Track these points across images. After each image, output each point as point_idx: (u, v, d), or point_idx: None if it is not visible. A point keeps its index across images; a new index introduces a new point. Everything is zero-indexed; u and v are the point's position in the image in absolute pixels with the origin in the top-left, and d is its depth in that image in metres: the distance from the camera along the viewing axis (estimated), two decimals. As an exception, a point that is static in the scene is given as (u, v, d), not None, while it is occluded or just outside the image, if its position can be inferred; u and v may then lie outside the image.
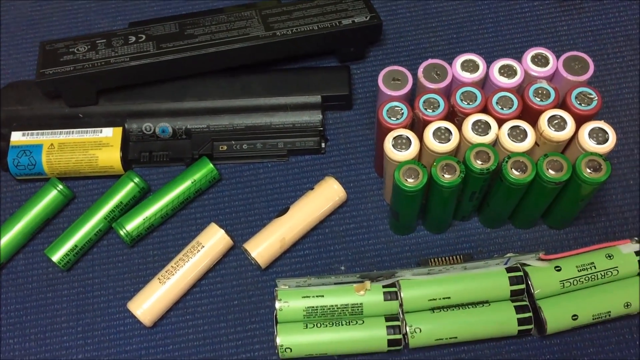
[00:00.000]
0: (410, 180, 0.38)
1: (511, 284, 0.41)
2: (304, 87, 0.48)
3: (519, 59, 0.42)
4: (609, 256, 0.41)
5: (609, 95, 0.49)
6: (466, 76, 0.42)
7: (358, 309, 0.41)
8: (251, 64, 0.48)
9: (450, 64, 0.42)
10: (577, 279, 0.41)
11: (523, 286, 0.41)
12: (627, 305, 0.41)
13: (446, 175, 0.38)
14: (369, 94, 0.51)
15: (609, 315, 0.41)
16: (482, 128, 0.39)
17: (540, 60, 0.42)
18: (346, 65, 0.50)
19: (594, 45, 0.51)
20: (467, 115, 0.40)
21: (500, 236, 0.46)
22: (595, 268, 0.41)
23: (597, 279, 0.41)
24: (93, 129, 0.47)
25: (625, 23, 0.52)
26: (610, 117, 0.49)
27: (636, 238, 0.42)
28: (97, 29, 0.54)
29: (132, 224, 0.45)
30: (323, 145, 0.48)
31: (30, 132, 0.47)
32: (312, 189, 0.46)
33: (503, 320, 0.41)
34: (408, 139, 0.40)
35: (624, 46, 0.51)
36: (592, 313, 0.41)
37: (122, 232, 0.45)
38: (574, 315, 0.41)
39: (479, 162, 0.38)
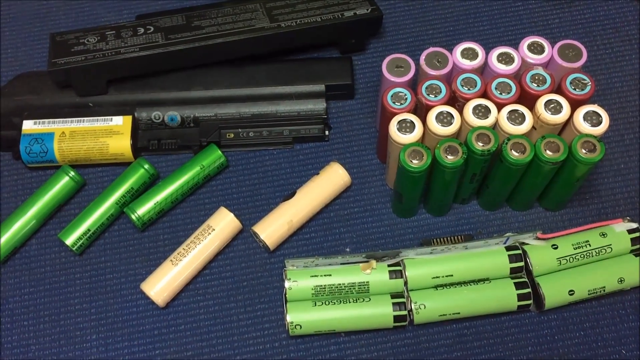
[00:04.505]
0: (415, 161, 0.40)
1: (511, 262, 0.43)
2: (308, 77, 0.50)
3: (515, 48, 0.44)
4: (603, 234, 0.43)
5: (598, 84, 0.51)
6: (466, 63, 0.43)
7: (364, 287, 0.43)
8: (257, 54, 0.50)
9: (450, 52, 0.44)
10: (573, 256, 0.43)
11: (522, 264, 0.43)
12: (621, 281, 0.43)
13: (449, 157, 0.40)
14: (369, 84, 0.52)
15: (604, 290, 0.43)
16: (482, 112, 0.41)
17: (536, 49, 0.44)
18: (348, 57, 0.52)
19: (584, 37, 0.53)
20: (467, 100, 0.42)
21: (499, 218, 0.47)
22: (590, 246, 0.43)
23: (592, 256, 0.43)
24: (103, 117, 0.48)
25: (614, 16, 0.54)
26: (600, 105, 0.50)
27: (628, 217, 0.44)
28: (103, 22, 0.55)
29: (144, 209, 0.46)
30: (327, 132, 0.50)
31: (41, 120, 0.48)
32: (317, 174, 0.47)
33: (503, 296, 0.42)
34: (412, 122, 0.41)
35: (612, 38, 0.53)
36: (587, 288, 0.43)
37: (133, 217, 0.46)
38: (571, 290, 0.42)
39: (480, 144, 0.40)
